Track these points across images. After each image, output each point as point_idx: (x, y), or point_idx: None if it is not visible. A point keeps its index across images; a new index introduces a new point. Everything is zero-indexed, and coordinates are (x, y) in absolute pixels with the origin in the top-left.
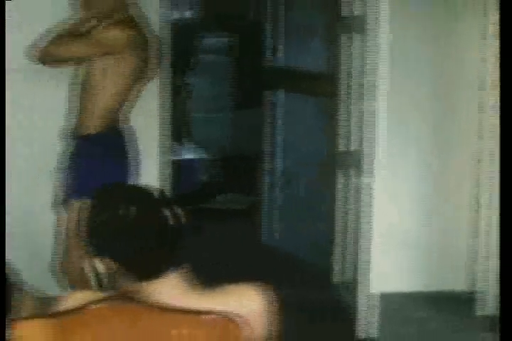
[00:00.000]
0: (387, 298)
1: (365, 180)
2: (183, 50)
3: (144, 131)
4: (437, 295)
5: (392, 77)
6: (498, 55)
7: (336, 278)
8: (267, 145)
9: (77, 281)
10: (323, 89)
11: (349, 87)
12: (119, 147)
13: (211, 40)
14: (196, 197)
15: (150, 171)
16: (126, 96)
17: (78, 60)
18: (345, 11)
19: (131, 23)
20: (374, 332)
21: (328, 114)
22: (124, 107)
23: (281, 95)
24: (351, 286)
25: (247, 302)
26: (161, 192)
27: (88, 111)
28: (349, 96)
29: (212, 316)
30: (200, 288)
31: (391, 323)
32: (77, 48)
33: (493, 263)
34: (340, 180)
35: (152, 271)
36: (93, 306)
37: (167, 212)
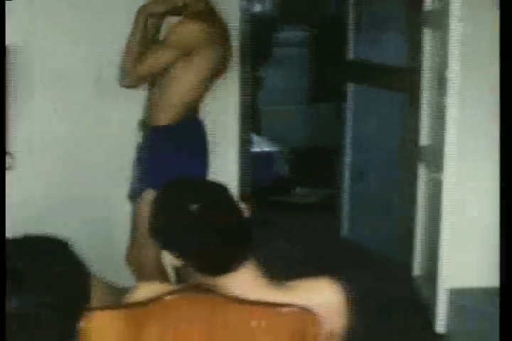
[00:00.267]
0: (466, 293)
1: (444, 174)
2: (261, 42)
3: (220, 124)
4: None
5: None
6: None
7: (415, 273)
8: (342, 139)
9: (149, 273)
10: (402, 83)
11: (429, 81)
12: (192, 140)
13: (289, 33)
14: (271, 191)
15: (226, 164)
16: (202, 90)
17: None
18: (426, 5)
19: (208, 16)
20: (452, 327)
21: (406, 108)
22: (200, 100)
23: (357, 89)
24: (430, 281)
25: (323, 297)
26: (224, 186)
27: (164, 104)
28: (427, 90)
29: (291, 309)
30: (274, 282)
31: (469, 318)
32: (164, 56)
33: None
34: (419, 175)
35: (220, 267)
36: (168, 297)
37: (234, 207)
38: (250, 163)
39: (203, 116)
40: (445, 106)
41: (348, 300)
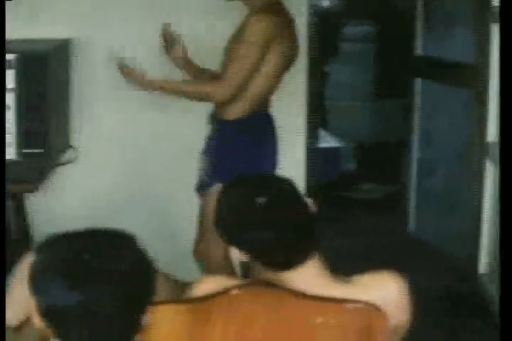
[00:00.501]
0: None
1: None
2: (328, 37)
3: (288, 119)
4: None
5: None
6: None
7: (481, 270)
8: (408, 135)
9: (211, 267)
10: (470, 79)
11: (497, 77)
12: (262, 134)
13: (355, 28)
14: (337, 186)
15: (293, 159)
16: (272, 84)
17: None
18: (494, 0)
19: (275, 8)
20: None
21: (474, 104)
22: (269, 94)
23: (425, 84)
24: (496, 278)
25: (387, 292)
26: (292, 181)
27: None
28: (495, 86)
29: (356, 304)
30: (338, 278)
31: None
32: (257, 57)
33: None
34: (487, 171)
35: (286, 261)
36: (233, 292)
37: (301, 201)
38: (317, 159)
39: (272, 111)
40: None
41: (412, 296)
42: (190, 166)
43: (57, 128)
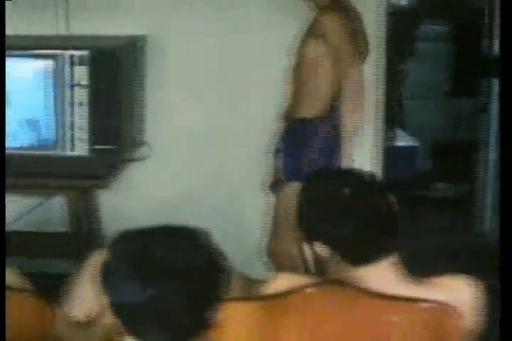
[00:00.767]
0: None
1: None
2: (401, 36)
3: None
4: None
5: None
6: None
7: None
8: (481, 134)
9: (284, 265)
10: None
11: None
12: (336, 133)
13: (429, 28)
14: (409, 185)
15: (368, 158)
16: (341, 83)
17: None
18: None
19: (342, 6)
20: None
21: None
22: (339, 92)
23: (497, 84)
24: None
25: (460, 294)
26: (374, 176)
27: (305, 96)
28: None
29: (430, 304)
30: (412, 277)
31: None
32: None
33: None
34: None
35: (366, 256)
36: (307, 289)
37: (381, 197)
38: (392, 157)
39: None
40: None
41: (481, 298)
42: (262, 165)
43: (129, 125)
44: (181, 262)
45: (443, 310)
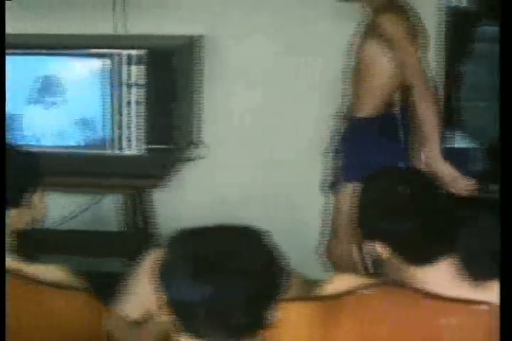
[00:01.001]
0: None
1: None
2: (459, 37)
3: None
4: None
5: None
6: None
7: None
8: None
9: (343, 265)
10: None
11: None
12: (394, 131)
13: (489, 29)
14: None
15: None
16: (400, 82)
17: None
18: None
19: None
20: None
21: None
22: (399, 91)
23: None
24: None
25: None
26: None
27: (368, 95)
28: None
29: (483, 307)
30: (467, 279)
31: None
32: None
33: None
34: None
35: (425, 257)
36: (364, 291)
37: (441, 197)
38: (450, 158)
39: (401, 109)
40: None
41: None
42: (321, 165)
43: (185, 124)
44: (240, 261)
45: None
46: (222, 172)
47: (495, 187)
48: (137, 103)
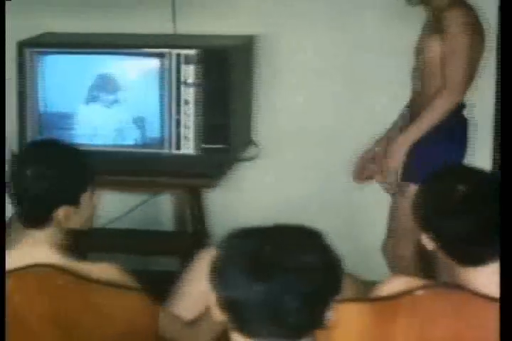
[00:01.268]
0: None
1: None
2: None
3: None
4: None
5: None
6: None
7: None
8: None
9: (400, 267)
10: None
11: None
12: (457, 131)
13: None
14: None
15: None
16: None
17: None
18: None
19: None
20: None
21: None
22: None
23: None
24: None
25: None
26: (494, 175)
27: (424, 94)
28: None
29: None
30: None
31: None
32: (462, 51)
33: None
34: None
35: (480, 257)
36: (419, 292)
37: (498, 197)
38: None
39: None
40: None
41: None
42: None
43: (239, 124)
44: (294, 261)
45: None
46: (276, 172)
47: None
48: (194, 102)
